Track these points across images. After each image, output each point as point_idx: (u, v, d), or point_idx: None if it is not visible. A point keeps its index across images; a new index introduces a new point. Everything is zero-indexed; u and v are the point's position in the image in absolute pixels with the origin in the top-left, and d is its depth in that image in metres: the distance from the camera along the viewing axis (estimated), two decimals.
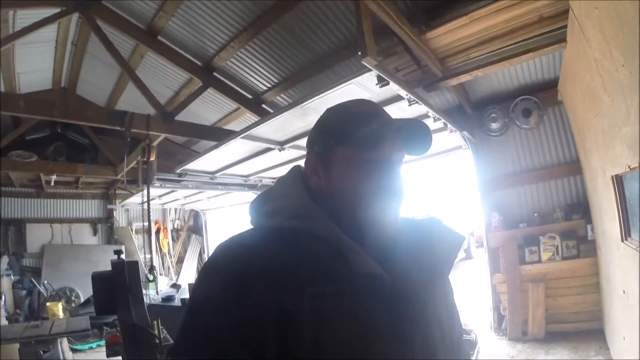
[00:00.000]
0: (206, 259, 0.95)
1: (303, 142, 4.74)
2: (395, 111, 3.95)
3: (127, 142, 4.74)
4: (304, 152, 5.46)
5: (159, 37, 4.88)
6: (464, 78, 4.10)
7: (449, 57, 3.95)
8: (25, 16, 4.45)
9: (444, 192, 10.59)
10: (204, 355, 0.66)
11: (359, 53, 2.51)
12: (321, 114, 0.92)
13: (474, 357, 3.90)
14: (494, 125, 5.22)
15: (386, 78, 2.80)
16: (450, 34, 3.50)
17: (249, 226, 0.86)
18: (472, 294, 6.86)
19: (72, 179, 8.31)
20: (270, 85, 5.41)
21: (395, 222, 0.83)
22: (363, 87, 3.26)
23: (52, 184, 7.79)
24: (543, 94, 4.83)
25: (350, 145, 0.81)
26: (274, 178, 6.66)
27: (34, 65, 5.90)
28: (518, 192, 5.18)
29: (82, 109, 4.88)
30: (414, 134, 0.85)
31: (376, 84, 2.93)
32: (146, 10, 4.51)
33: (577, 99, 3.68)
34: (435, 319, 0.80)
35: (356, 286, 0.72)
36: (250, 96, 5.70)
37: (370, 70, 2.69)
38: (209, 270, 0.76)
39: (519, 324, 4.84)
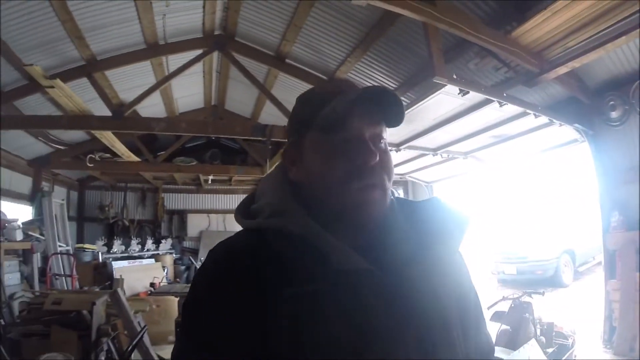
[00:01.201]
0: None
1: (410, 144, 5.35)
2: (491, 111, 4.28)
3: (269, 149, 5.94)
4: (418, 153, 5.97)
5: (287, 60, 5.99)
6: (561, 70, 4.11)
7: (546, 50, 4.01)
8: (176, 58, 5.99)
9: (557, 189, 9.87)
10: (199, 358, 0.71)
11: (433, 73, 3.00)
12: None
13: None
14: (614, 114, 4.89)
15: (463, 89, 3.23)
16: (539, 27, 3.60)
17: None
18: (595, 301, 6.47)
19: (226, 178, 10.34)
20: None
21: (381, 207, 0.78)
22: (452, 95, 3.72)
23: (209, 182, 10.04)
24: None
25: (316, 129, 0.78)
26: None
27: (188, 91, 7.64)
28: None
29: (230, 125, 6.26)
30: (377, 102, 0.78)
31: (458, 94, 3.37)
32: (272, 40, 5.65)
33: None
34: (436, 313, 0.75)
35: (339, 284, 0.70)
36: None
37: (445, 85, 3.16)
38: (198, 276, 0.79)
39: (628, 338, 4.47)
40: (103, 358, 3.39)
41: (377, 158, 0.76)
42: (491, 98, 3.56)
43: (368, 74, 5.76)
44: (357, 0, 2.75)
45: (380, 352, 0.68)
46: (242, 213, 0.86)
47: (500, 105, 3.74)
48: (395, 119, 0.81)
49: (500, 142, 5.44)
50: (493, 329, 3.85)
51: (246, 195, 0.92)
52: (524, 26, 3.62)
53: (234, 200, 11.33)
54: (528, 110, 4.28)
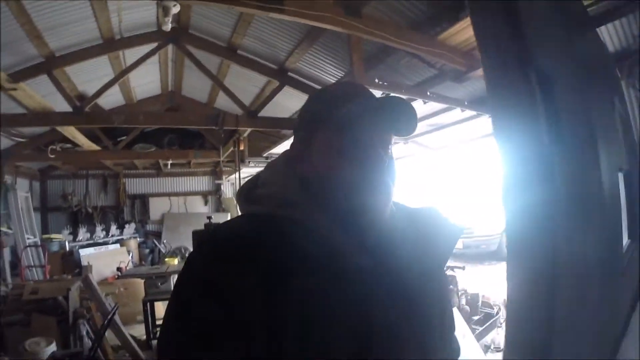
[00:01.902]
0: None
1: None
2: (421, 104, 4.91)
3: (222, 136, 6.51)
4: None
5: (239, 51, 6.47)
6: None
7: (475, 49, 4.56)
8: (132, 51, 6.38)
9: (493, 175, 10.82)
10: (190, 351, 0.69)
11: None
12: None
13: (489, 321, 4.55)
14: None
15: (385, 91, 3.86)
16: (465, 30, 4.10)
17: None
18: None
19: (185, 161, 10.86)
20: (338, 80, 6.51)
21: (386, 209, 0.82)
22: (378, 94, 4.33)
23: (169, 166, 10.57)
24: None
25: (329, 128, 0.81)
26: None
27: (145, 79, 8.03)
28: None
29: (185, 115, 6.73)
30: (395, 112, 0.82)
31: (381, 94, 3.98)
32: (224, 32, 6.12)
33: None
34: (429, 315, 0.81)
35: (345, 280, 0.72)
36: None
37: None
38: (195, 260, 0.78)
39: None
40: (84, 333, 3.98)
41: (385, 164, 0.80)
42: (413, 97, 4.16)
43: (316, 65, 6.27)
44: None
45: (381, 351, 0.72)
46: (246, 198, 0.86)
47: (424, 103, 4.36)
48: (407, 131, 0.85)
49: (436, 130, 6.13)
50: None
51: (246, 180, 0.96)
52: (453, 28, 4.11)
53: (194, 183, 12.07)
54: (456, 105, 4.94)
